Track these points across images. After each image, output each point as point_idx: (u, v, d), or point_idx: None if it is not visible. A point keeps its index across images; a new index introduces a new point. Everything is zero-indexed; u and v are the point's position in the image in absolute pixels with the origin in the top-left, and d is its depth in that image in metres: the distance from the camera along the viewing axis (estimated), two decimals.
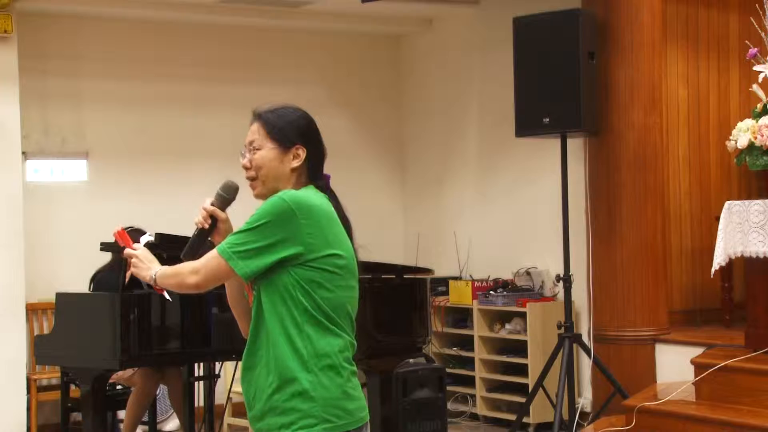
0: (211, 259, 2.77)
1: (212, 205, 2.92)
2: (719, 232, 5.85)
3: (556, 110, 6.50)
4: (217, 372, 6.29)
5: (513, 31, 6.73)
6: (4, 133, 7.08)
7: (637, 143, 6.68)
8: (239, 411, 7.19)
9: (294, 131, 2.87)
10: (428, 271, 7.03)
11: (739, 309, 6.77)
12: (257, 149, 2.86)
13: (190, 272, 2.80)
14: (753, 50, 6.12)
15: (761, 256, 5.71)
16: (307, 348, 2.74)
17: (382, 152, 9.28)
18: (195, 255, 2.86)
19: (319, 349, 2.74)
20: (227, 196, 2.92)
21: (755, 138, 5.95)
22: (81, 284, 6.64)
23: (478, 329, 7.88)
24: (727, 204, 5.89)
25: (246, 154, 2.88)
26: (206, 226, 2.89)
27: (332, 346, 2.76)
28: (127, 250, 2.98)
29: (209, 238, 2.93)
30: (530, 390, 6.90)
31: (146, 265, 2.92)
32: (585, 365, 7.15)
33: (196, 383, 6.20)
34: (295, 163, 2.86)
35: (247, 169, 2.88)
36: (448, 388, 7.20)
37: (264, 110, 2.91)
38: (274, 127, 2.86)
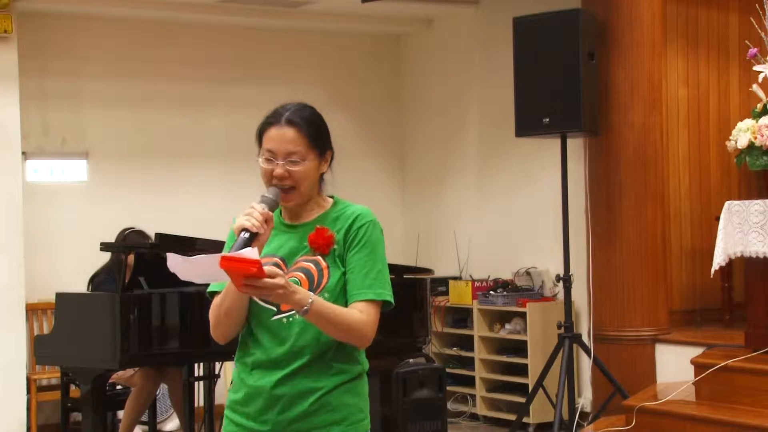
0: (372, 310, 2.69)
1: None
2: (719, 232, 5.85)
3: (556, 110, 6.49)
4: (217, 372, 6.29)
5: (513, 31, 6.72)
6: (4, 133, 7.07)
7: (637, 143, 6.68)
8: None
9: (327, 137, 2.77)
10: (428, 271, 7.03)
11: (739, 309, 6.77)
12: (301, 161, 2.69)
13: (372, 325, 2.69)
14: (753, 50, 6.12)
15: (761, 256, 5.71)
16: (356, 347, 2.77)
17: (382, 152, 9.28)
18: None
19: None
20: (277, 200, 2.71)
21: (755, 138, 5.95)
22: (81, 284, 6.64)
23: (478, 329, 7.88)
24: (727, 204, 5.89)
25: (280, 162, 2.69)
26: (262, 231, 2.63)
27: None
28: (266, 281, 2.49)
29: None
30: (530, 390, 6.90)
31: (291, 290, 2.57)
32: (585, 365, 7.14)
33: (196, 383, 6.20)
34: (324, 168, 2.77)
35: (284, 179, 2.69)
36: (448, 388, 7.20)
37: (297, 116, 2.72)
38: (314, 136, 2.72)
